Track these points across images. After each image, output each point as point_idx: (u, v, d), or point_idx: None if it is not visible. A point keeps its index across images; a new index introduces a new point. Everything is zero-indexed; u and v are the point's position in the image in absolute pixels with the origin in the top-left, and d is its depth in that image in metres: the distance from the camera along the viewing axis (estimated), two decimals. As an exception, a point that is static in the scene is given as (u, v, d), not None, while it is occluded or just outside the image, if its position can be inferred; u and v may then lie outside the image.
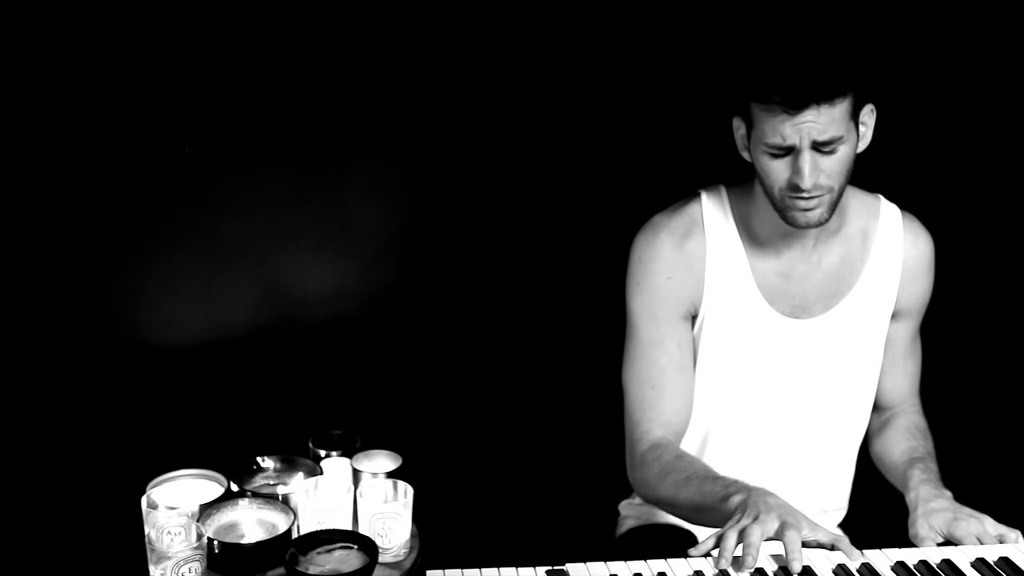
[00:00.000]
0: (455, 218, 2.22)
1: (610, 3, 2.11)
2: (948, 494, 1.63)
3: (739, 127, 1.63)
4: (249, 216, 2.12)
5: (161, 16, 1.98)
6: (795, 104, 1.48)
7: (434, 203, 2.22)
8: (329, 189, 2.15)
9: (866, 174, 1.68)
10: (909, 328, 1.81)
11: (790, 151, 1.53)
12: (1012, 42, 2.16)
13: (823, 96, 1.49)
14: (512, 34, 2.11)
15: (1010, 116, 2.20)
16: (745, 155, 1.64)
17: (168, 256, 2.11)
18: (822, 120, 1.50)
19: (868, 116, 1.59)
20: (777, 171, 1.55)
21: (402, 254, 2.23)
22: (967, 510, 1.58)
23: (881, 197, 1.77)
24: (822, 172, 1.53)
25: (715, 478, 1.55)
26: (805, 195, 1.54)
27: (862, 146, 1.60)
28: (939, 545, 1.55)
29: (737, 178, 1.74)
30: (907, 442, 1.78)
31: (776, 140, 1.52)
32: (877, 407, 1.84)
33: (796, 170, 1.53)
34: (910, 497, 1.65)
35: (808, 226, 1.59)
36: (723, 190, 1.73)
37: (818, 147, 1.52)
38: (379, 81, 2.10)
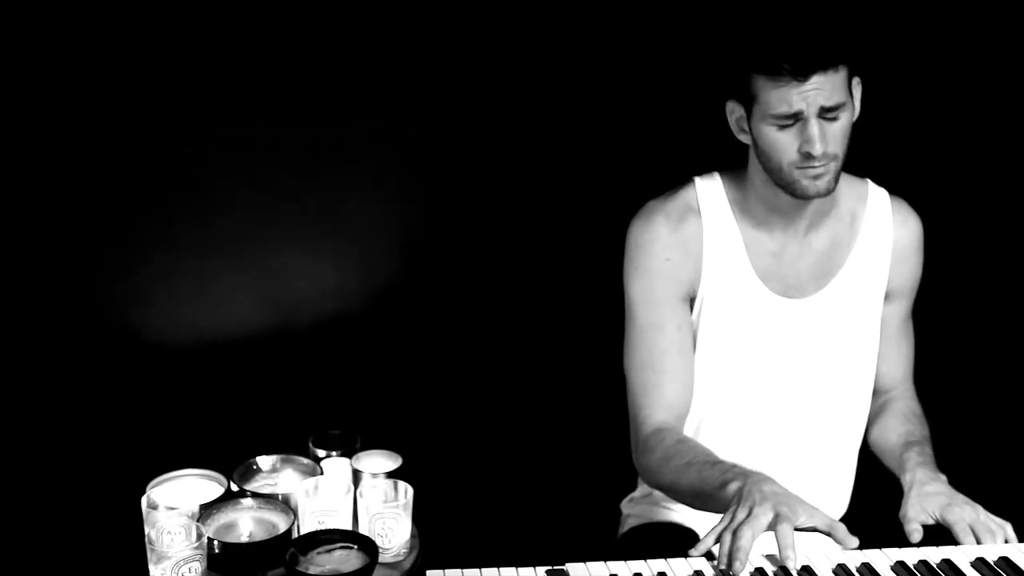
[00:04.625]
0: (454, 216, 2.22)
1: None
2: (943, 478, 1.64)
3: (734, 110, 1.65)
4: (249, 215, 2.12)
5: (161, 16, 1.98)
6: (803, 70, 1.52)
7: (432, 202, 2.22)
8: (328, 188, 2.15)
9: (853, 159, 1.69)
10: (901, 310, 1.83)
11: (797, 119, 1.55)
12: (998, 27, 2.16)
13: (828, 62, 1.53)
14: (505, 31, 2.11)
15: (997, 100, 2.21)
16: (743, 138, 1.66)
17: (168, 256, 2.11)
18: (827, 87, 1.53)
19: (856, 88, 1.63)
20: (785, 143, 1.58)
21: (401, 253, 2.23)
22: (962, 496, 1.59)
23: (869, 181, 1.79)
24: (829, 139, 1.56)
25: (714, 463, 1.55)
26: (816, 163, 1.57)
27: (854, 117, 1.63)
28: (926, 528, 1.56)
29: (729, 166, 1.75)
30: (903, 426, 1.79)
31: (783, 109, 1.55)
32: (874, 392, 1.85)
33: (806, 138, 1.55)
34: (905, 479, 1.66)
35: (818, 195, 1.61)
36: (716, 175, 1.76)
37: (824, 114, 1.55)
38: (378, 78, 2.10)
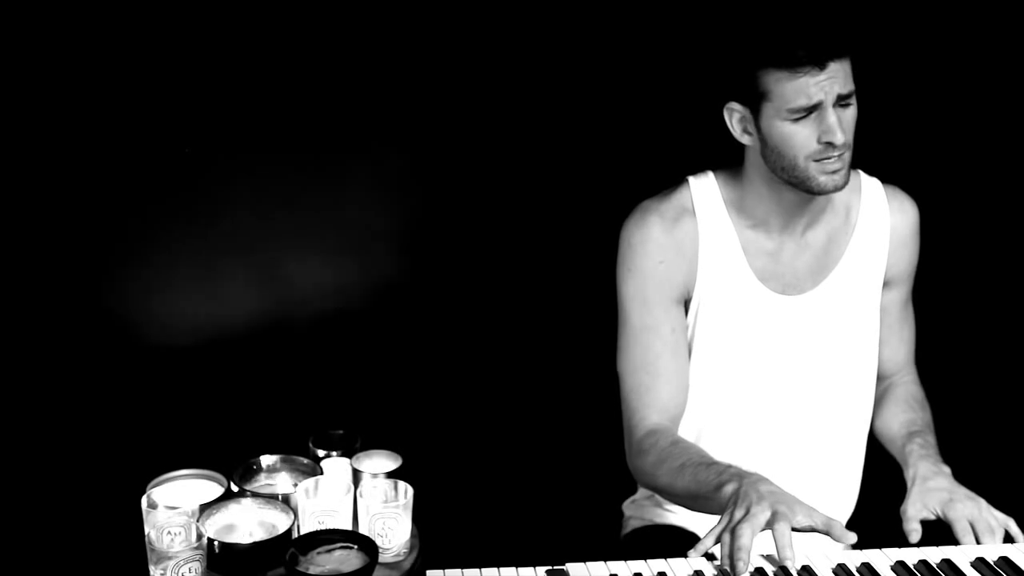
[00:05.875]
0: (453, 215, 2.22)
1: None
2: (947, 471, 1.64)
3: (735, 111, 1.63)
4: (249, 214, 2.12)
5: (162, 16, 1.98)
6: (820, 58, 1.52)
7: (432, 201, 2.22)
8: (328, 187, 2.15)
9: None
10: (901, 295, 1.83)
11: (813, 111, 1.55)
12: (987, 15, 2.17)
13: (843, 48, 1.54)
14: (504, 30, 2.12)
15: (988, 87, 2.22)
16: (746, 139, 1.65)
17: (168, 255, 2.11)
18: (841, 74, 1.54)
19: None
20: (803, 136, 1.57)
21: (401, 252, 2.23)
22: (964, 490, 1.58)
23: (861, 172, 1.78)
24: (845, 127, 1.57)
25: (709, 464, 1.55)
26: (836, 153, 1.56)
27: None
28: (928, 524, 1.56)
29: (723, 165, 1.74)
30: (905, 414, 1.79)
31: (802, 102, 1.54)
32: (876, 377, 1.84)
33: (826, 128, 1.55)
34: (908, 473, 1.66)
35: (836, 189, 1.60)
36: (711, 175, 1.74)
37: (839, 101, 1.55)
38: (377, 77, 2.10)
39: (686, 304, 1.73)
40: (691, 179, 1.74)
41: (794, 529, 1.40)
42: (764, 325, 1.72)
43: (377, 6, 2.07)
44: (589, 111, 2.18)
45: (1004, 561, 1.46)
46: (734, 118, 1.64)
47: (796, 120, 1.56)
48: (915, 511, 1.58)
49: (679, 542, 1.75)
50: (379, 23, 2.08)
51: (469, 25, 2.10)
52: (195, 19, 2.00)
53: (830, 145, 1.55)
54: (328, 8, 2.05)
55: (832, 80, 1.53)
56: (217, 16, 2.01)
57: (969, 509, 1.55)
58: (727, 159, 1.72)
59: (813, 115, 1.55)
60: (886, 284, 1.79)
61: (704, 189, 1.72)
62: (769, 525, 1.39)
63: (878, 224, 1.76)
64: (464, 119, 2.17)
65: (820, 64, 1.52)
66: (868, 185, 1.77)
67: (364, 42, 2.08)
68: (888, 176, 1.80)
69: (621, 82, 2.17)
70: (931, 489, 1.60)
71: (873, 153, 1.80)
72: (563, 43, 2.13)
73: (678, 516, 1.83)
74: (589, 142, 2.20)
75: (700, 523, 1.78)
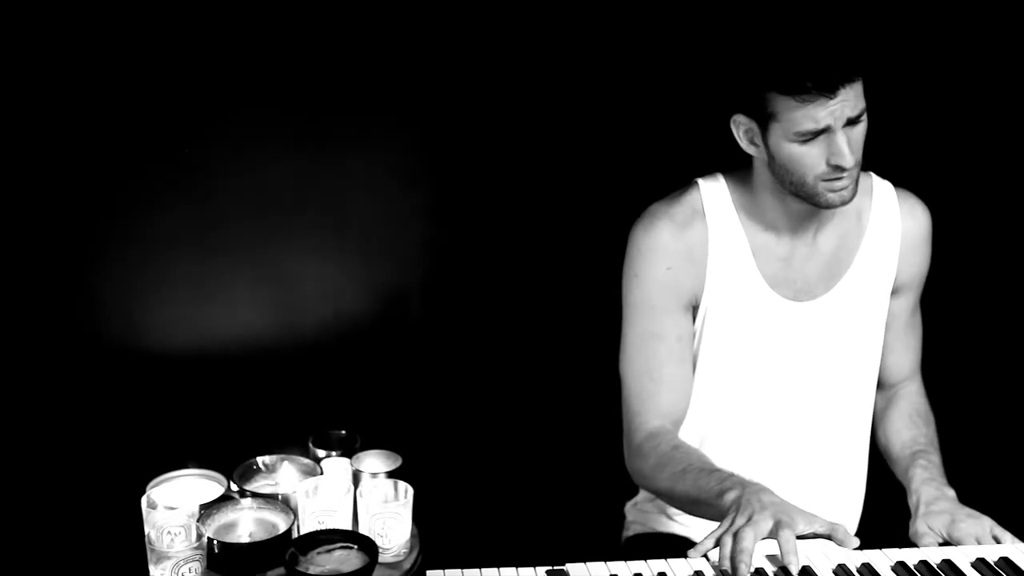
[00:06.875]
0: (455, 216, 2.22)
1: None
2: (951, 494, 1.63)
3: (742, 123, 1.61)
4: (249, 215, 2.12)
5: (162, 14, 1.98)
6: (830, 87, 1.49)
7: (433, 203, 2.22)
8: (330, 189, 2.15)
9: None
10: (910, 302, 1.81)
11: (822, 133, 1.52)
12: (999, 19, 2.16)
13: (852, 74, 1.50)
14: (513, 30, 2.12)
15: (1000, 90, 2.21)
16: (752, 151, 1.62)
17: (168, 256, 2.11)
18: (851, 97, 1.51)
19: None
20: (811, 157, 1.54)
21: (403, 253, 2.23)
22: (967, 510, 1.58)
23: (873, 174, 1.76)
24: (855, 147, 1.54)
25: (711, 471, 1.54)
26: (845, 174, 1.54)
27: None
28: (939, 545, 1.55)
29: (732, 166, 1.73)
30: (909, 431, 1.77)
31: (810, 126, 1.51)
32: (881, 385, 1.83)
33: (835, 151, 1.52)
34: (912, 500, 1.65)
35: (843, 204, 1.59)
36: (721, 178, 1.72)
37: (849, 123, 1.53)
38: (382, 79, 2.10)
39: (694, 310, 1.71)
40: (700, 181, 1.71)
41: (797, 536, 1.40)
42: (774, 332, 1.70)
43: (385, 7, 2.06)
44: (595, 111, 2.17)
45: (1004, 561, 1.46)
46: (740, 130, 1.62)
47: (804, 142, 1.54)
48: (924, 530, 1.58)
49: (681, 552, 1.75)
50: (386, 28, 2.07)
51: (479, 25, 2.10)
52: (196, 17, 2.00)
53: (839, 168, 1.54)
54: (335, 7, 2.04)
55: (843, 104, 1.50)
56: (219, 13, 2.01)
57: (973, 528, 1.54)
58: (736, 161, 1.71)
59: (822, 137, 1.53)
60: (895, 290, 1.76)
61: (714, 192, 1.70)
62: (772, 534, 1.39)
63: (889, 228, 1.73)
64: (470, 120, 2.17)
65: (830, 92, 1.49)
66: (880, 188, 1.75)
67: (370, 40, 2.08)
68: (900, 180, 1.79)
69: (628, 82, 2.16)
70: (934, 512, 1.59)
71: (884, 157, 1.79)
72: (570, 41, 2.13)
73: (681, 525, 1.82)
74: (595, 143, 2.19)
75: (702, 533, 1.76)
